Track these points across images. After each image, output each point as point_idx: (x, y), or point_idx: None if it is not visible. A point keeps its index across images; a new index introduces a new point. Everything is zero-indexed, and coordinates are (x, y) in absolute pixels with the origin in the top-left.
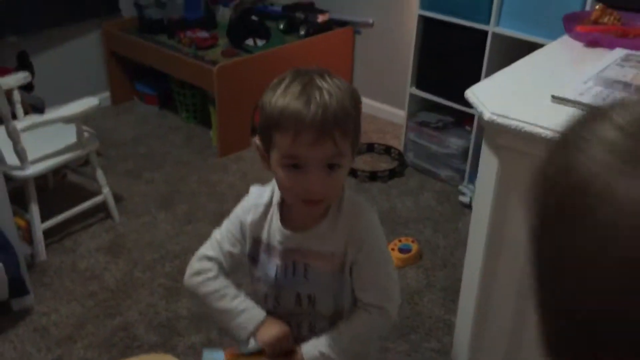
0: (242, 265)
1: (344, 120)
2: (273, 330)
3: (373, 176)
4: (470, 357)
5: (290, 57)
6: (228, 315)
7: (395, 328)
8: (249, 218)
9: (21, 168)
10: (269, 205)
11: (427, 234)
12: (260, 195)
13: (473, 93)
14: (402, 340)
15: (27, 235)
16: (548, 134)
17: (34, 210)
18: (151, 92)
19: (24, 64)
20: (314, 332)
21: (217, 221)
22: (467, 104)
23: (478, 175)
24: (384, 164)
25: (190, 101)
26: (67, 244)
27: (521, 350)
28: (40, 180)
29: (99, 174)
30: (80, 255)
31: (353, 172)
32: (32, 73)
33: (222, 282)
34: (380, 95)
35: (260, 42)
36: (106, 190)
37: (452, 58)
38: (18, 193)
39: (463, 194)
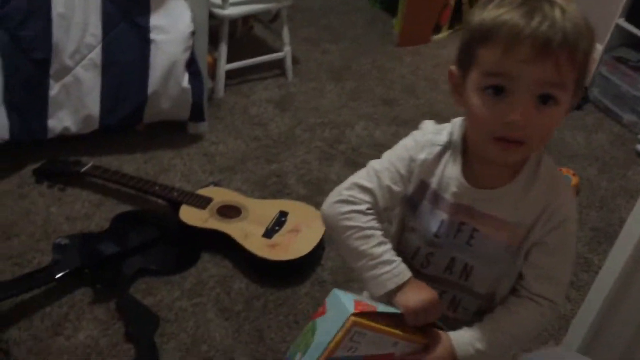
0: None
1: (575, 43)
2: (421, 294)
3: None
4: (607, 299)
5: None
6: (368, 261)
7: None
8: (422, 156)
9: (221, 7)
10: (446, 147)
11: (590, 173)
12: (438, 133)
13: None
14: None
15: (212, 72)
16: None
17: (223, 49)
18: None
19: None
20: (455, 310)
21: (381, 105)
22: None
23: None
24: None
25: None
26: (243, 89)
27: None
28: (231, 27)
29: (285, 32)
30: (252, 102)
31: None
32: None
33: (372, 221)
34: None
35: None
36: (287, 48)
37: None
38: (210, 34)
39: None
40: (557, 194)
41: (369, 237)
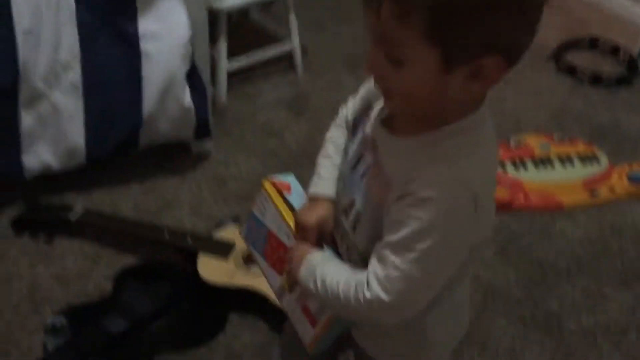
0: None
1: None
2: (314, 214)
3: (596, 79)
4: None
5: None
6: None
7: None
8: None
9: None
10: None
11: None
12: None
13: None
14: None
15: (211, 75)
16: None
17: (222, 47)
18: None
19: None
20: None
21: None
22: None
23: None
24: (608, 67)
25: None
26: (247, 91)
27: None
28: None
29: (292, 19)
30: (261, 107)
31: (572, 70)
32: None
33: (336, 132)
34: None
35: None
36: (296, 39)
37: None
38: None
39: None
40: (434, 164)
41: (324, 146)
